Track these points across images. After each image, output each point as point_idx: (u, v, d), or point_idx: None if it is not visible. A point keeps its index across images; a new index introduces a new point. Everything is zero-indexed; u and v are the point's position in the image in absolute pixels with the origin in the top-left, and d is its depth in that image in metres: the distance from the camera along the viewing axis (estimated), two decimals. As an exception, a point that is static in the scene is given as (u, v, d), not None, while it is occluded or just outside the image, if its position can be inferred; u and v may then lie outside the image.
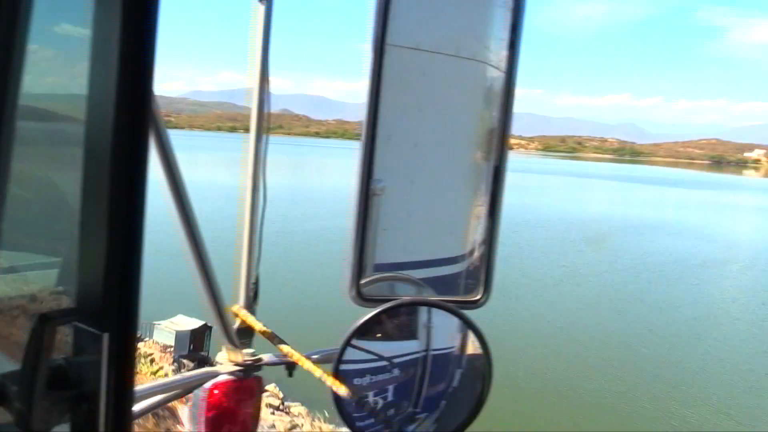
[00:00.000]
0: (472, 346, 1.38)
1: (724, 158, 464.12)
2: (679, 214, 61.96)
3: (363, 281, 1.45)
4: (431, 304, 1.41)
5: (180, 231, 1.24)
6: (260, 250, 1.48)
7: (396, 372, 1.39)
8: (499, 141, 1.50)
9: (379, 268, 1.50)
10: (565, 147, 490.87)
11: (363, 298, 1.42)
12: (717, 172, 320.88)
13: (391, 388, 1.39)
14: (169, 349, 19.75)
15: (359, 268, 1.41)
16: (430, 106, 1.49)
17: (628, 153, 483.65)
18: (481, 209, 1.53)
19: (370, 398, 1.37)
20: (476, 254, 1.55)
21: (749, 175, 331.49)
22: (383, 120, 1.39)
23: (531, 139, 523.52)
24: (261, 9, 1.38)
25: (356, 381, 1.36)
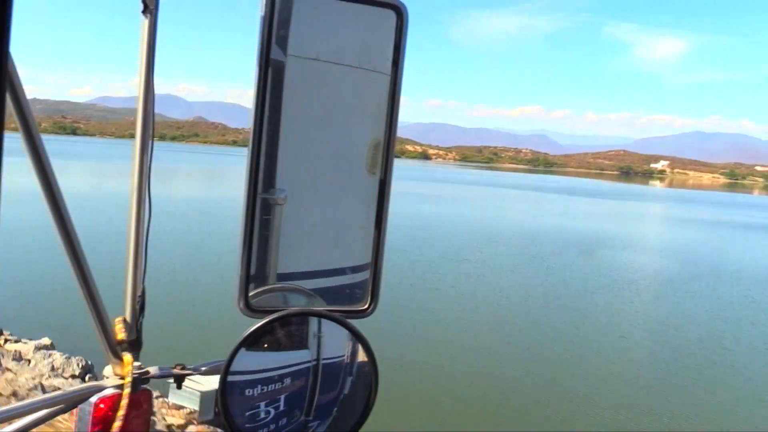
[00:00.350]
0: (362, 354, 1.41)
1: (632, 169, 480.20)
2: (606, 225, 61.59)
3: (253, 292, 1.47)
4: (319, 315, 1.43)
5: (58, 240, 1.21)
6: (146, 261, 1.46)
7: (287, 382, 1.41)
8: (385, 154, 1.52)
9: (278, 278, 1.53)
10: (482, 157, 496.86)
11: (252, 310, 1.44)
12: (626, 182, 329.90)
13: (282, 397, 1.40)
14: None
15: (247, 279, 1.43)
16: (331, 116, 1.52)
17: (541, 163, 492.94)
18: (370, 221, 1.54)
19: (262, 408, 1.38)
20: (365, 265, 1.57)
21: (655, 185, 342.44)
22: (288, 128, 1.42)
23: (449, 149, 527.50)
24: (146, 22, 1.37)
25: (247, 392, 1.36)
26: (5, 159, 0.50)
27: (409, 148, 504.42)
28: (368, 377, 1.41)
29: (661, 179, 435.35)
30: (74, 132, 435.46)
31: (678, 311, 24.75)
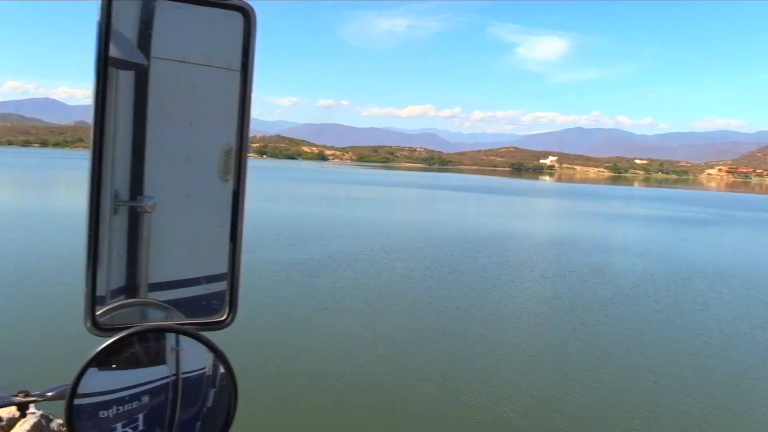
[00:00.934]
0: (224, 365, 1.40)
1: (523, 165, 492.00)
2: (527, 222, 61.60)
3: (105, 309, 1.42)
4: (173, 330, 1.39)
5: None
6: None
7: (145, 399, 1.35)
8: (237, 161, 1.49)
9: (150, 290, 1.49)
10: (379, 157, 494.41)
11: (101, 328, 1.38)
12: (518, 178, 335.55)
13: (141, 416, 1.35)
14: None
15: (93, 295, 1.37)
16: (199, 119, 1.49)
17: (436, 162, 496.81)
18: (226, 230, 1.52)
19: (119, 430, 1.32)
20: (223, 275, 1.55)
21: (545, 179, 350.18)
22: (153, 132, 1.40)
23: (345, 150, 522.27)
24: None
25: (101, 414, 1.30)
26: None
27: (306, 149, 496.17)
28: (228, 389, 1.40)
29: (551, 174, 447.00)
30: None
31: (564, 294, 26.05)
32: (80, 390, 1.25)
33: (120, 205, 1.40)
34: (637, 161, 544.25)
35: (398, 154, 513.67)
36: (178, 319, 1.48)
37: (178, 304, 1.51)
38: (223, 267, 1.54)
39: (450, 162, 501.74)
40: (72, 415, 1.24)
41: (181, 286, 1.55)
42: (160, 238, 1.49)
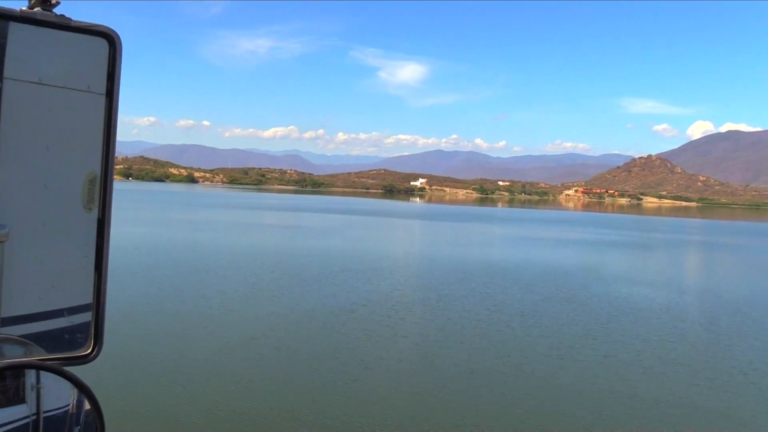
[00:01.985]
0: (90, 400, 1.30)
1: (395, 187, 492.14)
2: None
3: None
4: (33, 366, 1.30)
5: None
6: None
7: None
8: (102, 190, 1.42)
9: (3, 325, 1.37)
10: (251, 179, 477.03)
11: None
12: (390, 199, 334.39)
13: None
14: None
15: None
16: (58, 143, 1.40)
17: (309, 184, 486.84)
18: (90, 259, 1.44)
19: None
20: (87, 307, 1.46)
21: (415, 201, 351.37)
22: (6, 157, 1.32)
23: (215, 172, 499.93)
24: None
25: None
26: None
27: (174, 171, 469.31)
28: (93, 425, 1.30)
29: (422, 196, 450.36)
30: None
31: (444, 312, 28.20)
32: None
33: None
34: (500, 183, 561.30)
35: (269, 176, 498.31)
36: (38, 355, 1.37)
37: (38, 339, 1.40)
38: (87, 298, 1.44)
39: (322, 184, 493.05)
40: None
41: (41, 318, 1.43)
42: (15, 268, 1.37)
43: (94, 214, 1.41)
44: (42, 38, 1.35)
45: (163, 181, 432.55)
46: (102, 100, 1.39)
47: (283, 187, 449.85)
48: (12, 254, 1.34)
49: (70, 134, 1.40)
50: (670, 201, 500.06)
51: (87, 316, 1.44)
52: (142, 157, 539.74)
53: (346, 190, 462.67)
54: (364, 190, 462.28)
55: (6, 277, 1.34)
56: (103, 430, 1.27)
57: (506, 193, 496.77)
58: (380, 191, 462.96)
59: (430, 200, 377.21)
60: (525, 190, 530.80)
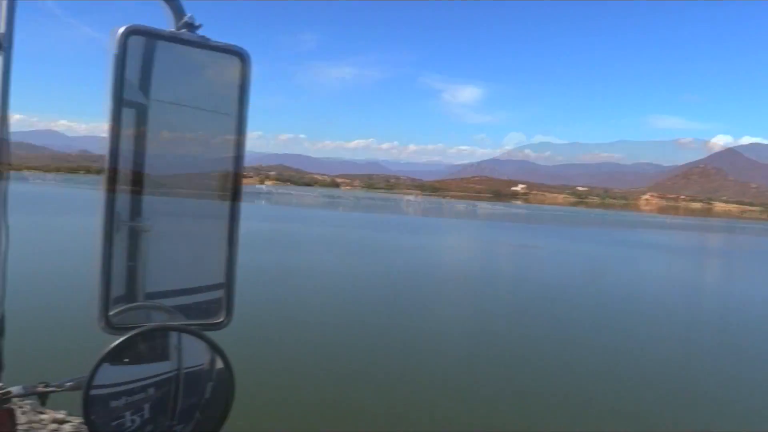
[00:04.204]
0: (220, 361, 1.47)
1: (501, 192, 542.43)
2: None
3: (116, 311, 1.49)
4: (176, 329, 1.46)
5: None
6: (4, 286, 1.43)
7: (151, 391, 1.41)
8: (233, 185, 1.59)
9: (144, 297, 1.59)
10: (387, 185, 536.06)
11: (113, 327, 1.44)
12: (497, 202, 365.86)
13: (147, 406, 1.41)
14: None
15: (107, 298, 1.44)
16: (188, 153, 1.62)
17: (429, 189, 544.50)
18: (223, 243, 1.62)
19: (127, 418, 1.38)
20: (220, 282, 1.64)
21: (517, 203, 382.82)
22: (151, 164, 1.50)
23: (353, 177, 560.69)
24: (0, 59, 1.35)
25: (112, 403, 1.36)
26: None
27: (318, 177, 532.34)
28: (226, 383, 1.48)
29: (525, 199, 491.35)
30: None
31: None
32: (95, 382, 1.31)
33: (122, 225, 1.48)
34: (579, 188, 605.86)
35: (391, 182, 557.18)
36: (180, 320, 1.56)
37: (181, 309, 1.60)
38: (220, 275, 1.62)
39: (440, 189, 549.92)
40: (88, 404, 1.30)
41: (184, 293, 1.64)
42: (161, 252, 1.59)
43: (227, 206, 1.58)
44: (184, 58, 1.49)
45: (312, 185, 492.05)
46: (234, 110, 1.53)
47: (411, 191, 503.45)
48: (157, 242, 1.55)
49: (209, 144, 1.60)
50: (735, 205, 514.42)
51: (219, 291, 1.62)
52: (281, 165, 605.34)
53: (460, 194, 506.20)
54: (476, 194, 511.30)
55: (151, 260, 1.56)
56: (234, 384, 1.46)
57: (596, 198, 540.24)
58: (490, 195, 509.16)
59: (533, 202, 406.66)
60: (608, 194, 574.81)
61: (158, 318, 1.59)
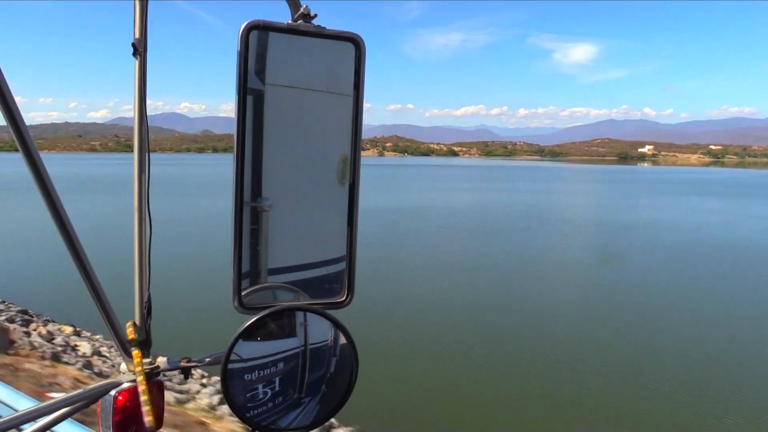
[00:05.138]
0: (343, 338, 1.54)
1: (628, 154, 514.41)
2: None
3: (246, 291, 1.57)
4: (304, 309, 1.54)
5: (67, 252, 1.28)
6: (150, 269, 1.55)
7: (281, 366, 1.51)
8: (352, 165, 1.63)
9: (268, 276, 1.64)
10: (504, 151, 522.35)
11: (245, 307, 1.54)
12: (624, 165, 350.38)
13: (277, 379, 1.50)
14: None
15: (239, 280, 1.53)
16: (306, 136, 1.64)
17: (547, 154, 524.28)
18: (343, 222, 1.66)
19: (260, 390, 1.48)
20: (341, 261, 1.69)
21: (646, 165, 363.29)
22: (269, 147, 1.55)
23: (469, 145, 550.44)
24: (137, 62, 1.46)
25: (246, 377, 1.47)
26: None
27: (435, 147, 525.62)
28: (349, 358, 1.55)
29: (654, 161, 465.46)
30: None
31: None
32: (232, 357, 1.42)
33: (245, 206, 1.54)
34: (712, 147, 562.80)
35: (510, 149, 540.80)
36: (305, 300, 1.64)
37: (305, 287, 1.67)
38: (341, 254, 1.67)
39: (560, 153, 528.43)
40: (226, 377, 1.41)
41: (306, 269, 1.70)
42: (280, 231, 1.63)
43: (346, 186, 1.62)
44: (300, 46, 1.53)
45: (429, 155, 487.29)
46: (351, 94, 1.59)
47: (530, 157, 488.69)
48: (277, 220, 1.59)
49: (325, 126, 1.64)
50: None
51: (341, 268, 1.67)
52: (396, 136, 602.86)
53: (583, 158, 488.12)
54: (600, 158, 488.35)
55: (273, 237, 1.59)
56: (357, 360, 1.53)
57: (735, 156, 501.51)
58: (614, 158, 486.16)
59: (674, 165, 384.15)
60: (747, 152, 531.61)
61: (283, 297, 1.67)
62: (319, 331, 1.55)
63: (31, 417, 1.30)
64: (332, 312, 1.56)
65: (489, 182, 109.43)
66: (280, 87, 1.57)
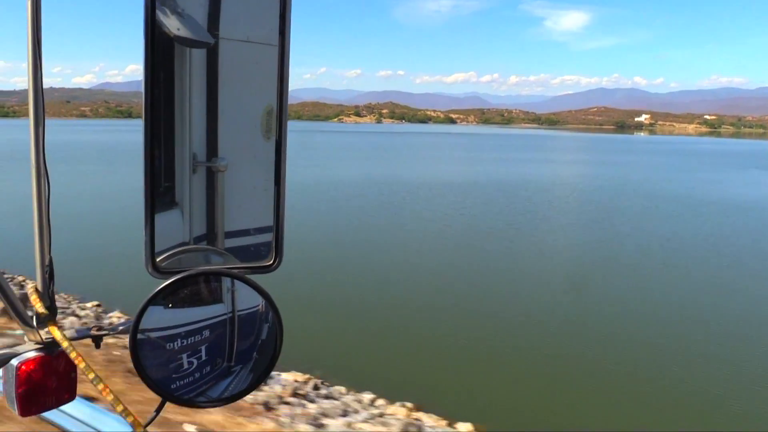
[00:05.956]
0: (269, 303, 1.47)
1: (624, 122, 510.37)
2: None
3: (167, 254, 1.47)
4: (224, 273, 1.46)
5: None
6: (50, 232, 1.43)
7: (206, 334, 1.43)
8: (278, 120, 1.53)
9: (193, 241, 1.56)
10: (501, 119, 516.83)
11: (160, 271, 1.43)
12: (622, 134, 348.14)
13: (203, 348, 1.43)
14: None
15: (152, 242, 1.42)
16: (229, 89, 1.54)
17: (545, 122, 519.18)
18: (270, 183, 1.58)
19: (184, 360, 1.39)
20: (269, 223, 1.60)
21: (642, 134, 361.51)
22: (224, 105, 1.50)
23: (465, 113, 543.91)
24: (29, 3, 1.28)
25: (168, 346, 1.37)
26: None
27: (432, 113, 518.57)
28: (274, 324, 1.50)
29: (651, 130, 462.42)
30: (130, 115, 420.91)
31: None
32: (142, 326, 1.32)
33: (198, 165, 1.48)
34: (707, 117, 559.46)
35: (507, 117, 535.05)
36: (232, 264, 1.55)
37: (233, 251, 1.60)
38: (269, 217, 1.60)
39: (558, 122, 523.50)
40: (135, 347, 1.31)
41: (235, 236, 1.63)
42: (231, 195, 1.57)
43: (272, 141, 1.53)
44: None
45: (426, 122, 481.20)
46: (276, 41, 1.49)
47: (527, 125, 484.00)
48: (229, 182, 1.52)
49: (248, 77, 1.56)
50: None
51: (269, 234, 1.59)
52: (391, 102, 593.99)
53: (580, 126, 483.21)
54: (597, 127, 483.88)
55: (219, 200, 1.53)
56: (282, 327, 1.47)
57: (731, 127, 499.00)
58: (612, 127, 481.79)
59: (662, 132, 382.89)
60: (742, 123, 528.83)
61: (211, 260, 1.58)
62: (248, 296, 1.48)
63: None
64: (259, 277, 1.48)
65: (509, 152, 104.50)
66: (230, 40, 1.48)
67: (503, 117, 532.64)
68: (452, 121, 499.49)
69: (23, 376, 1.35)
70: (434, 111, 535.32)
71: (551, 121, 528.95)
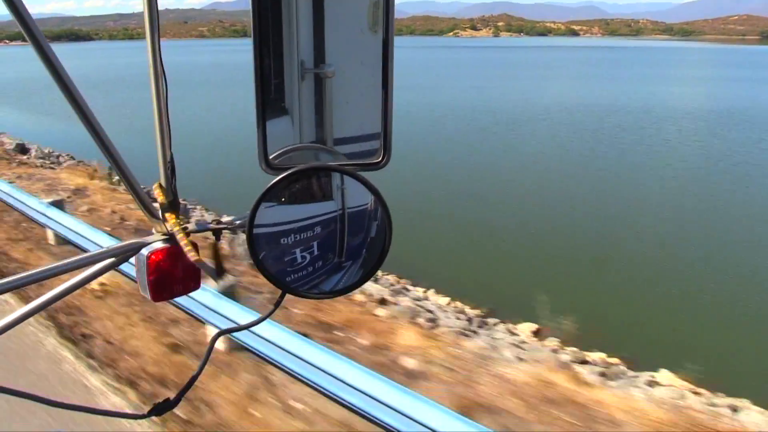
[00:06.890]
0: (379, 200, 1.45)
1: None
2: None
3: (278, 152, 1.48)
4: (330, 169, 1.48)
5: (83, 127, 1.25)
6: (170, 130, 1.47)
7: (318, 230, 1.47)
8: (385, 13, 1.46)
9: (307, 140, 1.56)
10: (630, 30, 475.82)
11: (274, 168, 1.45)
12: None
13: (315, 244, 1.46)
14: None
15: (265, 139, 1.44)
16: None
17: (678, 32, 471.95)
18: (378, 80, 1.53)
19: (298, 255, 1.44)
20: (377, 122, 1.56)
21: None
22: (330, 7, 1.43)
23: (589, 23, 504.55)
24: None
25: (282, 241, 1.42)
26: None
27: (551, 25, 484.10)
28: (383, 221, 1.47)
29: None
30: (245, 34, 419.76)
31: None
32: (257, 221, 1.35)
33: (306, 72, 1.46)
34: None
35: (643, 27, 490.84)
36: (341, 161, 1.54)
37: (344, 150, 1.59)
38: (377, 124, 1.57)
39: (693, 32, 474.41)
40: (252, 242, 1.35)
41: (344, 143, 1.61)
42: (336, 100, 1.55)
43: (380, 35, 1.45)
44: None
45: (546, 35, 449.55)
46: None
47: (659, 35, 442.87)
48: (334, 87, 1.52)
49: None
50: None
51: (378, 130, 1.56)
52: (506, 14, 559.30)
53: (720, 37, 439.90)
54: (740, 38, 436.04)
55: (327, 106, 1.53)
56: (391, 227, 1.45)
57: None
58: (756, 37, 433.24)
59: None
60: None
61: (322, 158, 1.58)
62: (357, 194, 1.47)
63: (68, 268, 1.35)
64: (368, 174, 1.46)
65: (699, 68, 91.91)
66: None
67: (630, 28, 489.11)
68: (575, 33, 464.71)
69: (153, 265, 1.43)
70: (553, 23, 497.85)
71: (685, 31, 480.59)
